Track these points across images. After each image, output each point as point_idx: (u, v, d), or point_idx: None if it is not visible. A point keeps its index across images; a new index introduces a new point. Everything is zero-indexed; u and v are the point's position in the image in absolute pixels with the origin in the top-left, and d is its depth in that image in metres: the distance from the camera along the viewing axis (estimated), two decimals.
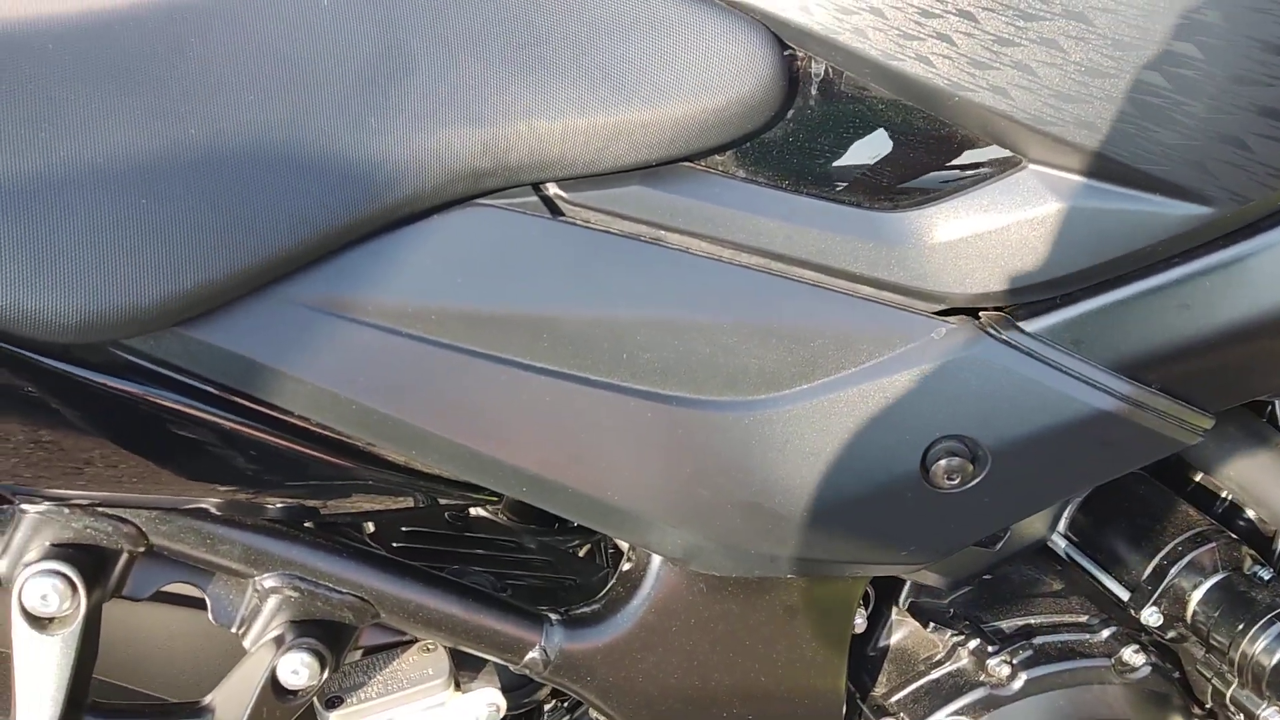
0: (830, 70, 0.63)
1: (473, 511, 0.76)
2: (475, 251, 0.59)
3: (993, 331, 0.66)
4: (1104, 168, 0.62)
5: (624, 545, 0.76)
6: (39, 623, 0.54)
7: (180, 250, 0.49)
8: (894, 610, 0.85)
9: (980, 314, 0.67)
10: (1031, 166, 0.64)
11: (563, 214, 0.62)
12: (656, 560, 0.69)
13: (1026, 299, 0.66)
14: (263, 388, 0.53)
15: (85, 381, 0.50)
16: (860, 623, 0.78)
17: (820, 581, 0.73)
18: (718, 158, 0.64)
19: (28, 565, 0.53)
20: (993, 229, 0.64)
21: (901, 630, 0.85)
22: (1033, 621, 0.83)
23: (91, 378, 0.50)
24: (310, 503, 0.59)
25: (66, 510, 0.55)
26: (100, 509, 0.55)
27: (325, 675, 0.59)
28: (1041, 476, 0.68)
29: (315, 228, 0.53)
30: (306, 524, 0.61)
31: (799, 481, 0.66)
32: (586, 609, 0.69)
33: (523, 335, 0.60)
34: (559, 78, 0.59)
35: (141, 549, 0.56)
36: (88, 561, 0.54)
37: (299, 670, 0.59)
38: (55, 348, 0.50)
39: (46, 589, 0.53)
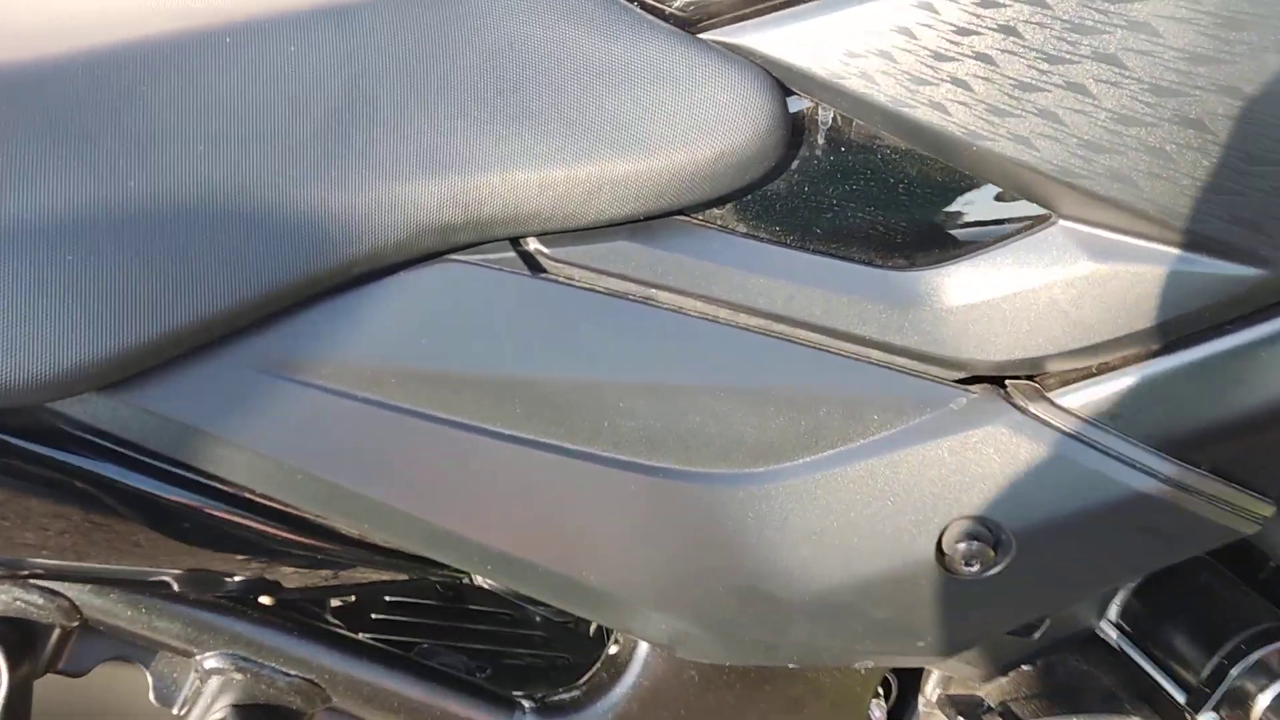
0: (838, 118, 0.58)
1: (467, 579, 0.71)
2: (444, 310, 0.55)
3: (1019, 403, 0.59)
4: (1142, 224, 0.55)
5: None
6: None
7: (104, 310, 0.45)
8: (920, 701, 0.78)
9: (1006, 383, 0.61)
10: (1062, 222, 0.58)
11: (544, 270, 0.58)
12: (644, 648, 0.64)
13: (1057, 367, 0.60)
14: (199, 455, 0.49)
15: (12, 446, 0.47)
16: (879, 716, 0.72)
17: (829, 671, 0.67)
18: (714, 211, 0.60)
19: None
20: (1019, 290, 0.58)
21: None
22: None
23: (18, 443, 0.47)
24: (257, 578, 0.55)
25: None
26: (31, 580, 0.52)
27: None
28: (1074, 565, 0.61)
29: (261, 287, 0.49)
30: (255, 600, 0.57)
31: (799, 564, 0.60)
32: (565, 695, 0.64)
33: (493, 400, 0.55)
34: (537, 127, 0.55)
35: (75, 624, 0.53)
36: (14, 636, 0.51)
37: None
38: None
39: None
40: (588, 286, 0.58)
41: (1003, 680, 0.79)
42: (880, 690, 0.73)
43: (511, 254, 0.57)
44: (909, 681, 0.78)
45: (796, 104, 0.58)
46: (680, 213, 0.58)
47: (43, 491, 0.49)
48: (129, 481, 0.49)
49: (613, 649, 0.65)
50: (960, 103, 0.54)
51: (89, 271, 0.45)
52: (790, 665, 0.63)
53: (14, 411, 0.47)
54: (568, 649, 0.70)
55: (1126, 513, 0.59)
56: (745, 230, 0.59)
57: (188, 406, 0.49)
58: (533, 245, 0.57)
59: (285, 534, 0.52)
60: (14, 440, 0.47)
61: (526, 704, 0.62)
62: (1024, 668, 0.79)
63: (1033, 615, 0.65)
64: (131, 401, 0.48)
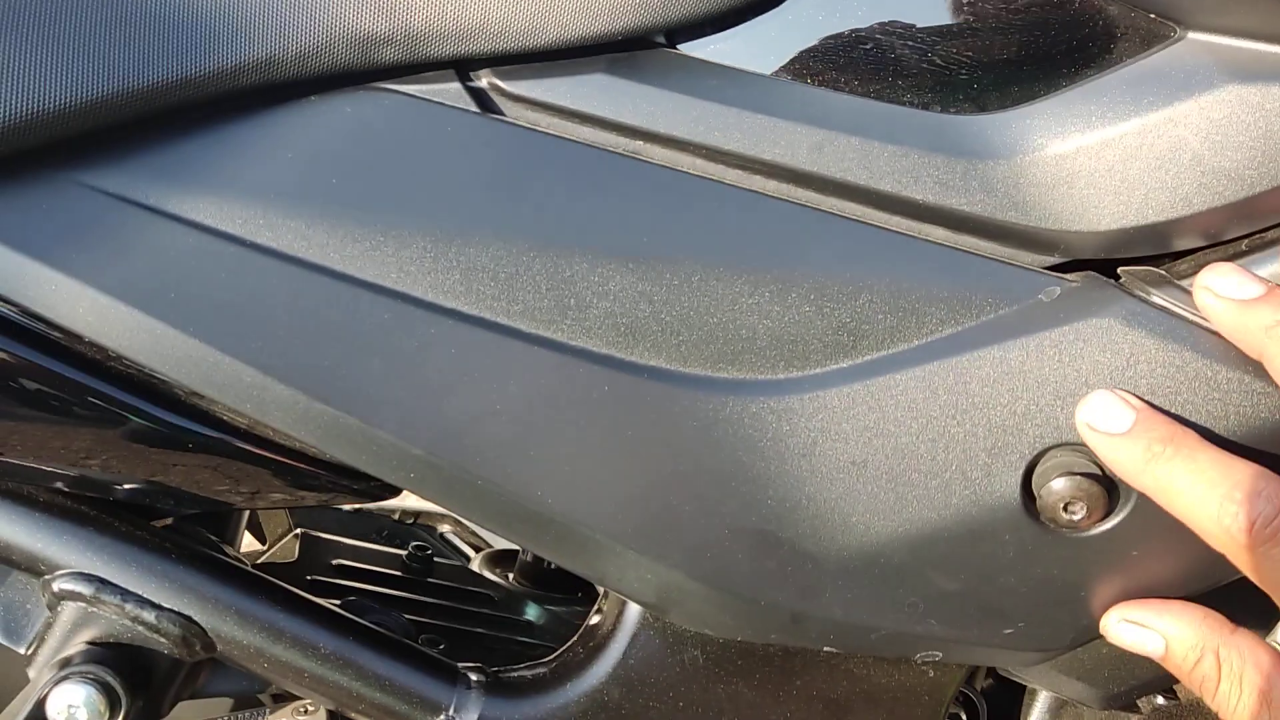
0: None
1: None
2: (365, 145, 0.43)
3: (1137, 291, 0.43)
4: None
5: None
6: None
7: None
8: None
9: (1119, 270, 0.46)
10: (1191, 35, 0.43)
11: (499, 111, 0.46)
12: (633, 617, 0.49)
13: (1189, 241, 0.44)
14: (33, 292, 0.38)
15: None
16: None
17: (882, 668, 0.50)
18: (714, 40, 0.47)
19: None
20: (1132, 132, 0.42)
21: None
22: None
23: None
24: (122, 475, 0.43)
25: None
26: None
27: (121, 716, 0.42)
28: None
29: (115, 86, 0.39)
30: (122, 513, 0.45)
31: (834, 504, 0.45)
32: (526, 672, 0.49)
33: (423, 263, 0.43)
34: None
35: None
36: None
37: (76, 710, 0.42)
38: None
39: None
40: (554, 133, 0.45)
41: (1132, 717, 0.60)
42: (963, 715, 0.55)
43: (458, 86, 0.45)
44: (1006, 709, 0.60)
45: None
46: (670, 41, 0.46)
47: None
48: None
49: (594, 619, 0.50)
50: None
51: None
52: (826, 649, 0.47)
53: None
54: (555, 635, 0.55)
55: None
56: (752, 61, 0.46)
57: (18, 228, 0.39)
58: (485, 79, 0.45)
59: (153, 412, 0.41)
60: None
61: (474, 677, 0.48)
62: (1161, 701, 0.60)
63: (1170, 593, 0.47)
64: None
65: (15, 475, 0.42)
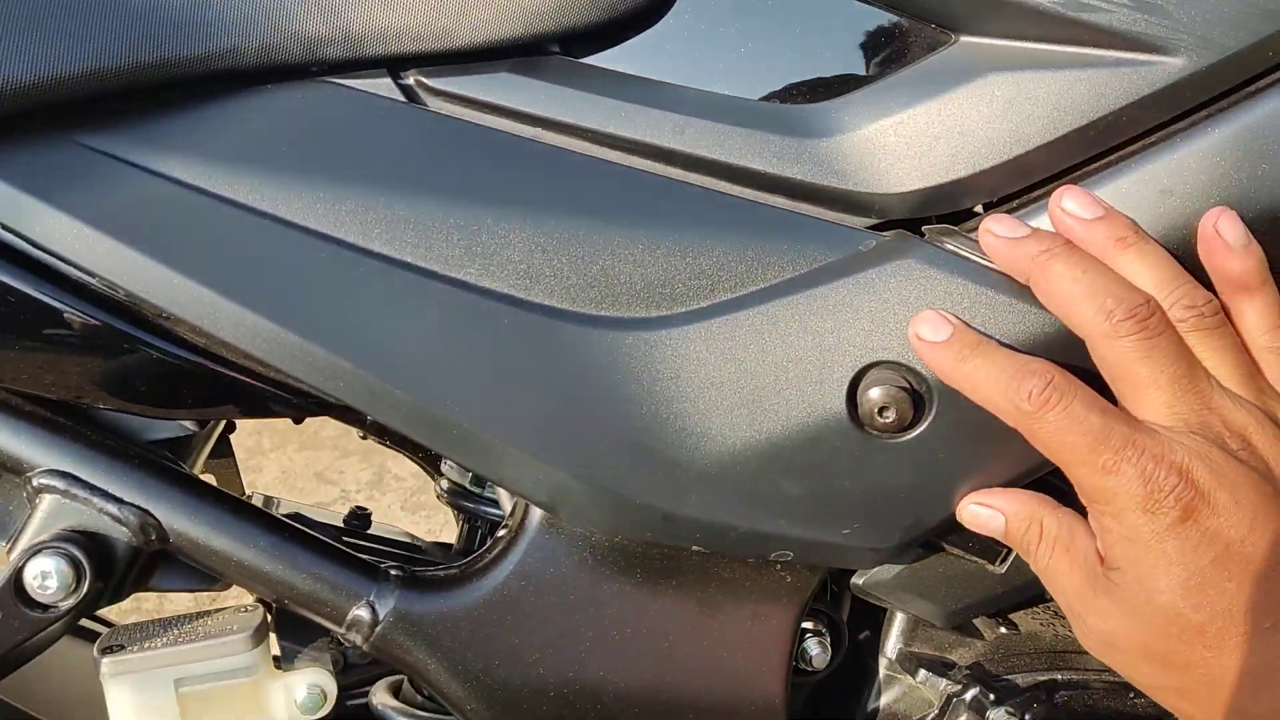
0: None
1: None
2: (311, 125, 0.54)
3: (936, 242, 0.54)
4: (1042, 25, 0.51)
5: (506, 509, 0.64)
6: None
7: None
8: (881, 662, 0.68)
9: (922, 228, 0.56)
10: (964, 39, 0.54)
11: (422, 103, 0.56)
12: (534, 524, 0.57)
13: (973, 199, 0.55)
14: (25, 221, 0.47)
15: None
16: (819, 654, 0.62)
17: (747, 572, 0.59)
18: (599, 50, 0.58)
19: None
20: (922, 113, 0.54)
21: (890, 689, 0.68)
22: (1058, 677, 0.65)
23: None
24: (96, 386, 0.51)
25: None
26: None
27: (83, 591, 0.49)
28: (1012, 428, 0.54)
29: (105, 61, 0.49)
30: (95, 422, 0.53)
31: (695, 417, 0.54)
32: (439, 571, 0.57)
33: (353, 214, 0.52)
34: None
35: None
36: None
37: (48, 575, 0.49)
38: None
39: None
40: (468, 120, 0.56)
41: (977, 642, 0.69)
42: (825, 630, 0.63)
43: (389, 81, 0.56)
44: (868, 644, 0.68)
45: None
46: (560, 40, 0.57)
47: None
48: None
49: (500, 532, 0.58)
50: None
51: None
52: (695, 548, 0.55)
53: None
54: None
55: (1064, 352, 0.52)
56: (632, 67, 0.57)
57: (18, 168, 0.48)
58: (412, 77, 0.56)
59: (125, 329, 0.49)
60: None
61: (393, 572, 0.55)
62: (1004, 630, 0.69)
63: (970, 490, 0.57)
64: None
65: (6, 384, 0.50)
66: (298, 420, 0.83)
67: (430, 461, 0.96)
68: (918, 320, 0.52)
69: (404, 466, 2.51)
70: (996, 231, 0.52)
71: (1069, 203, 0.51)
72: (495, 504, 0.81)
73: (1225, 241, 0.49)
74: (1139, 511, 0.47)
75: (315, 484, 2.47)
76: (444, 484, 0.84)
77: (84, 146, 0.49)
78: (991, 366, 0.50)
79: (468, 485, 0.81)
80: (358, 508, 0.72)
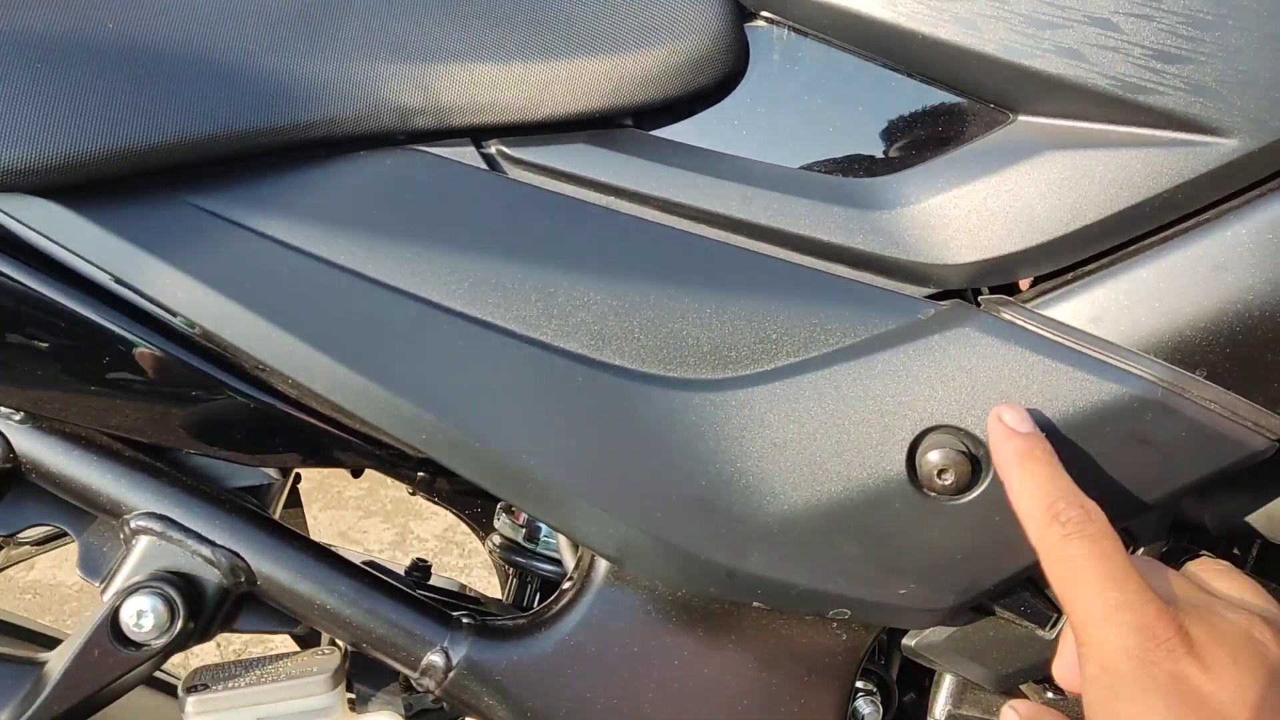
0: (791, 34, 0.60)
1: None
2: (401, 190, 0.57)
3: (991, 311, 0.56)
4: (1100, 106, 0.54)
5: (568, 563, 0.66)
6: None
7: (63, 115, 0.48)
8: None
9: (979, 298, 0.58)
10: (1021, 118, 0.57)
11: (503, 171, 0.59)
12: (599, 577, 0.59)
13: (1031, 272, 0.57)
14: (139, 275, 0.50)
15: None
16: (870, 713, 0.63)
17: (804, 629, 0.60)
18: (671, 124, 0.61)
19: None
20: (980, 189, 0.56)
21: None
22: None
23: None
24: (196, 433, 0.54)
25: None
26: None
27: (175, 630, 0.51)
28: None
29: (219, 127, 0.52)
30: (190, 468, 0.56)
31: (758, 477, 0.56)
32: (508, 621, 0.59)
33: (439, 275, 0.55)
34: (498, 25, 0.58)
35: (8, 465, 0.52)
36: None
37: (144, 614, 0.51)
38: None
39: None
40: (545, 188, 0.59)
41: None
42: (875, 690, 0.64)
43: (472, 150, 0.59)
44: (917, 708, 0.69)
45: (749, 21, 0.61)
46: (633, 114, 0.60)
47: None
48: (71, 302, 0.50)
49: (565, 584, 0.60)
50: None
51: (54, 79, 0.49)
52: (755, 604, 0.57)
53: None
54: None
55: (1117, 422, 0.53)
56: (701, 140, 0.60)
57: (133, 225, 0.51)
58: (494, 146, 0.59)
59: (223, 379, 0.52)
60: None
61: (465, 620, 0.57)
62: (1051, 695, 0.69)
63: (1030, 556, 0.57)
64: (80, 208, 0.50)
65: (111, 420, 0.53)
66: (356, 474, 0.86)
67: (478, 519, 0.98)
68: (1006, 407, 0.53)
69: (425, 528, 2.54)
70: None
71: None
72: (547, 560, 0.82)
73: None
74: (1127, 661, 0.46)
75: (339, 543, 2.50)
76: (496, 539, 0.86)
77: (193, 206, 0.53)
78: (1051, 478, 0.50)
79: (521, 541, 0.83)
80: (418, 560, 0.75)
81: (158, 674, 0.79)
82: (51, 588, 2.29)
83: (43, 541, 1.06)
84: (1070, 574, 0.48)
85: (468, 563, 2.42)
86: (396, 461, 0.57)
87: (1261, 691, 0.45)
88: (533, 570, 0.82)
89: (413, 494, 1.01)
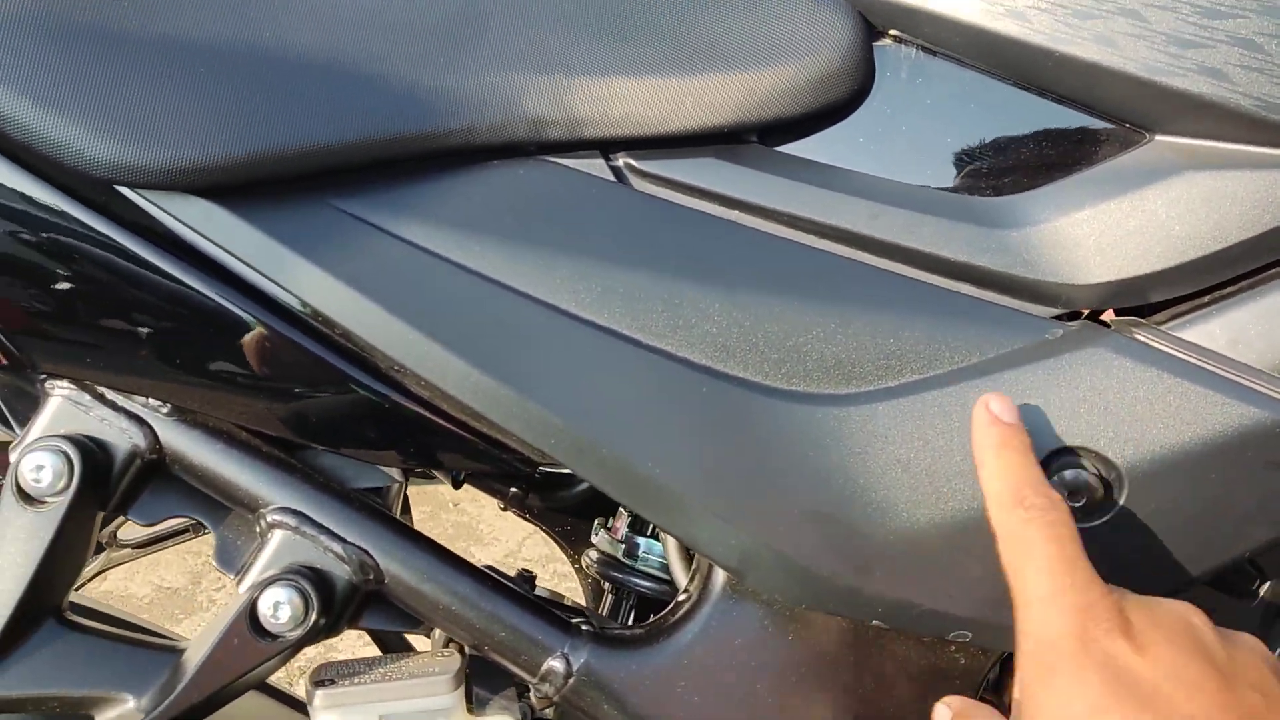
0: (920, 52, 0.60)
1: None
2: (533, 199, 0.58)
3: (1124, 332, 0.55)
4: (1242, 127, 0.53)
5: (680, 578, 0.65)
6: (26, 498, 0.52)
7: (221, 119, 0.50)
8: None
9: (1109, 320, 0.58)
10: (1159, 138, 0.56)
11: (630, 184, 0.60)
12: (717, 589, 0.59)
13: (1165, 294, 0.56)
14: (286, 273, 0.52)
15: (118, 244, 0.51)
16: None
17: (923, 652, 0.59)
18: (797, 140, 0.61)
19: (30, 446, 0.52)
20: (1115, 208, 0.56)
21: None
22: None
23: (123, 241, 0.51)
24: (331, 443, 0.56)
25: (88, 397, 0.55)
26: (119, 405, 0.54)
27: (309, 623, 0.52)
28: (1199, 513, 0.54)
29: (365, 133, 0.54)
30: (325, 468, 0.57)
31: (883, 494, 0.55)
32: (626, 631, 0.58)
33: (569, 283, 0.56)
34: (629, 39, 0.59)
35: (154, 457, 0.54)
36: (93, 456, 0.52)
37: (281, 605, 0.52)
38: (96, 195, 0.51)
39: (43, 461, 0.52)
40: (672, 201, 0.59)
41: None
42: None
43: (602, 162, 0.60)
44: None
45: (878, 39, 0.61)
46: (762, 130, 0.60)
47: (139, 294, 0.51)
48: (221, 299, 0.51)
49: (681, 596, 0.60)
50: (1041, 10, 0.55)
51: (215, 85, 0.51)
52: (875, 623, 0.56)
53: (126, 210, 0.51)
54: None
55: (1256, 447, 0.52)
56: (827, 157, 0.61)
57: (282, 225, 0.52)
58: (622, 160, 0.60)
59: (360, 378, 0.53)
60: (119, 237, 0.51)
61: (585, 627, 0.57)
62: None
63: (1160, 585, 0.56)
64: (234, 208, 0.52)
65: (254, 417, 0.55)
66: (456, 485, 0.87)
67: (567, 537, 0.98)
68: (994, 397, 0.53)
69: (486, 553, 2.54)
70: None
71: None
72: (645, 576, 0.82)
73: None
74: (1066, 640, 0.47)
75: None
76: (593, 555, 0.86)
77: (336, 209, 0.54)
78: (1025, 467, 0.51)
79: (620, 557, 0.83)
80: (524, 570, 0.75)
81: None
82: (123, 599, 2.34)
83: (144, 545, 1.09)
84: (1023, 554, 0.49)
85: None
86: (518, 467, 0.58)
87: (1195, 674, 0.46)
88: (630, 586, 0.82)
89: (504, 509, 1.02)
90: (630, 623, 0.81)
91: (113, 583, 2.35)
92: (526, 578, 0.73)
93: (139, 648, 0.55)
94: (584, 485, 0.96)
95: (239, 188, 0.52)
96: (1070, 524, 0.49)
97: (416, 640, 0.88)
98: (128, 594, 2.35)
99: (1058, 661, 0.47)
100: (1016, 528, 0.50)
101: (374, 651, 0.75)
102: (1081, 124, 0.58)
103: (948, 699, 0.54)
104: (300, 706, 0.79)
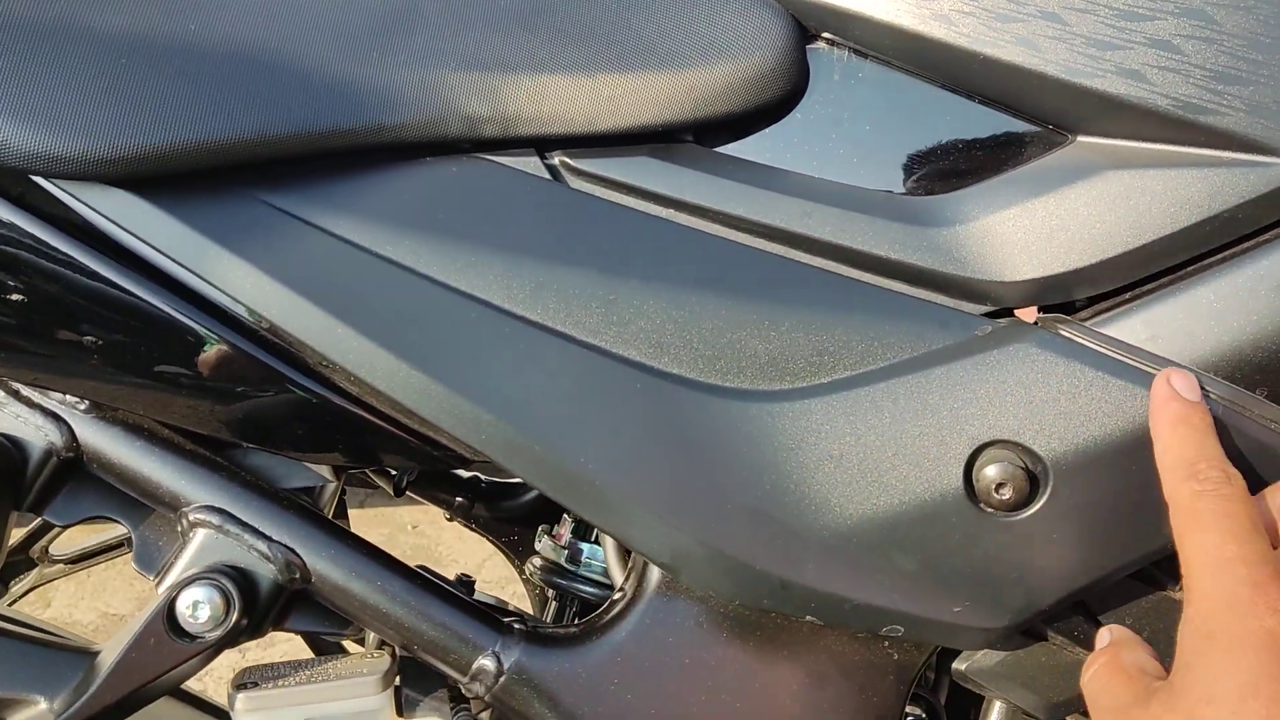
0: (852, 54, 0.61)
1: None
2: (466, 196, 0.57)
3: (1049, 328, 0.56)
4: (1160, 126, 0.55)
5: (617, 577, 0.65)
6: None
7: (143, 109, 0.49)
8: None
9: (1036, 317, 0.59)
10: (1081, 139, 0.58)
11: (565, 182, 0.60)
12: (651, 587, 0.58)
13: (1087, 289, 0.57)
14: (208, 266, 0.51)
15: (41, 243, 0.50)
16: None
17: (857, 648, 0.59)
18: (731, 140, 0.62)
19: None
20: (1039, 207, 0.57)
21: None
22: None
23: (46, 238, 0.50)
24: (259, 441, 0.54)
25: (1, 393, 0.53)
26: (34, 402, 0.53)
27: (230, 623, 0.51)
28: (1123, 504, 0.55)
29: (292, 128, 0.53)
30: (249, 465, 0.56)
31: (814, 489, 0.56)
32: (559, 629, 0.58)
33: (502, 279, 0.56)
34: (563, 38, 0.59)
35: (70, 455, 0.53)
36: (6, 450, 0.51)
37: (200, 605, 0.51)
38: (11, 186, 0.50)
39: None
40: (607, 199, 0.59)
41: None
42: (924, 715, 0.63)
43: (536, 160, 0.60)
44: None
45: (811, 41, 0.62)
46: (695, 129, 0.60)
47: (55, 288, 0.50)
48: (142, 293, 0.50)
49: (616, 595, 0.60)
50: (965, 13, 0.56)
51: (137, 75, 0.50)
52: (809, 618, 0.56)
53: (43, 201, 0.50)
54: None
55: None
56: (761, 156, 0.61)
57: (206, 218, 0.52)
58: (557, 158, 0.60)
59: (287, 374, 0.52)
60: (34, 229, 0.50)
61: (517, 626, 0.56)
62: None
63: (1087, 577, 0.57)
64: (156, 200, 0.51)
65: (176, 414, 0.54)
66: (398, 492, 0.86)
67: (514, 547, 0.97)
68: (1176, 373, 0.53)
69: (446, 574, 2.52)
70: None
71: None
72: (588, 582, 0.82)
73: None
74: (1230, 611, 0.46)
75: None
76: (537, 561, 0.85)
77: (263, 203, 0.54)
78: (1202, 444, 0.51)
79: (563, 563, 0.83)
80: (463, 575, 0.74)
81: (186, 686, 0.78)
82: (68, 626, 2.27)
83: (76, 560, 1.06)
84: (1194, 523, 0.49)
85: None
86: (451, 464, 0.57)
87: None
88: (573, 592, 0.81)
89: (450, 519, 1.01)
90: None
91: (57, 609, 2.29)
92: (465, 581, 0.72)
93: (51, 649, 0.53)
94: (530, 495, 0.96)
95: (160, 179, 0.51)
96: (1245, 499, 0.49)
97: (355, 646, 0.87)
98: (73, 620, 2.28)
99: (1218, 630, 0.46)
100: (1187, 500, 0.49)
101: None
102: (1007, 125, 0.59)
103: (1110, 625, 0.55)
104: (223, 715, 0.77)
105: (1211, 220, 0.54)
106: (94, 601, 2.30)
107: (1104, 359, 0.55)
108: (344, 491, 0.77)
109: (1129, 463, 0.54)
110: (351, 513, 0.84)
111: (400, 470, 0.82)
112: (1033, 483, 0.55)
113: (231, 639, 0.52)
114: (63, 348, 0.51)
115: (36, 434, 0.53)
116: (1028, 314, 0.58)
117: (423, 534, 2.55)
